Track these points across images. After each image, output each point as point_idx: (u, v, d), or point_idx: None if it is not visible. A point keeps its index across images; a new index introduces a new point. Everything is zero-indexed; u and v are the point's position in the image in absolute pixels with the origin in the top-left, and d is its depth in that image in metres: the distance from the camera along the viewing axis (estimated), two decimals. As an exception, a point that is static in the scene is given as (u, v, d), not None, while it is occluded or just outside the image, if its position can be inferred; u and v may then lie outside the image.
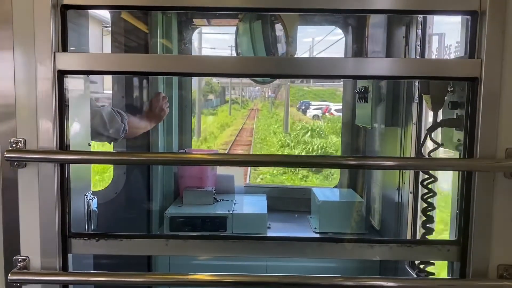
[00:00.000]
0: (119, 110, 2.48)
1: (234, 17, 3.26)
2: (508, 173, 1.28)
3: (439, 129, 1.70)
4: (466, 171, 1.34)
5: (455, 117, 1.50)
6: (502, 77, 1.27)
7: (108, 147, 2.81)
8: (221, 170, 3.50)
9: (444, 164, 1.43)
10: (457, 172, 1.44)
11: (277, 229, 3.09)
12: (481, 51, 1.28)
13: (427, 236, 1.78)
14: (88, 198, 1.72)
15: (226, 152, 12.33)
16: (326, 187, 4.19)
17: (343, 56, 3.61)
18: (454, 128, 1.53)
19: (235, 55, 3.35)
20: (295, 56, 3.16)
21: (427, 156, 1.68)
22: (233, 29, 3.22)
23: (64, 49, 1.32)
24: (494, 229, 1.31)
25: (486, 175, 1.30)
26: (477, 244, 1.32)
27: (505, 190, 1.29)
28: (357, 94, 3.05)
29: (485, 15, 1.26)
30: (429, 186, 1.72)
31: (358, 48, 3.31)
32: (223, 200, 3.29)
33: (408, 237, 2.46)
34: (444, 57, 2.16)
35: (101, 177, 8.22)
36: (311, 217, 3.28)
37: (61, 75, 1.31)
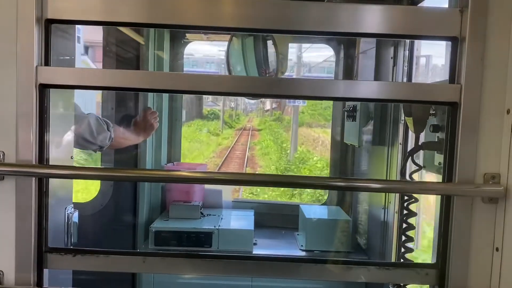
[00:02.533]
0: (104, 118, 2.48)
1: (227, 32, 3.28)
2: (486, 198, 1.29)
3: (423, 150, 1.71)
4: (445, 195, 1.34)
5: (436, 140, 1.51)
6: (481, 102, 1.28)
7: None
8: (209, 185, 3.49)
9: (425, 188, 1.44)
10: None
11: (263, 246, 3.07)
12: (461, 76, 1.30)
13: (406, 255, 1.78)
14: (68, 212, 1.70)
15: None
16: (314, 204, 4.19)
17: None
18: (435, 151, 1.54)
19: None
20: (286, 72, 3.20)
21: (408, 178, 1.69)
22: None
23: (47, 63, 1.32)
24: (472, 253, 1.31)
25: (464, 199, 1.30)
26: (455, 268, 1.32)
27: (483, 215, 1.30)
28: (346, 113, 3.07)
29: (464, 41, 1.28)
30: (410, 207, 1.73)
31: (348, 67, 3.34)
32: (210, 215, 3.27)
33: (393, 257, 2.45)
34: (429, 80, 2.18)
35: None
36: (298, 234, 3.27)
37: (42, 88, 1.30)
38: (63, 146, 1.59)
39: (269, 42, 3.11)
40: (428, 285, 1.51)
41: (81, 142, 2.34)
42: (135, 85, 1.39)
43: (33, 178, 1.32)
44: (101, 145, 2.45)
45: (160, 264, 1.44)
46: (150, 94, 3.26)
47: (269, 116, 24.80)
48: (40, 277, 1.36)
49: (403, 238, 1.89)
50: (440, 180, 1.44)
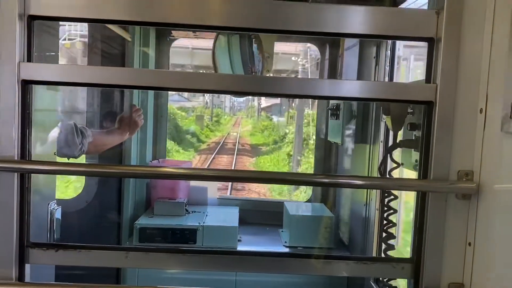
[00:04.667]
0: (82, 129, 2.42)
1: (213, 31, 3.29)
2: (459, 194, 1.33)
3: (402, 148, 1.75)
4: (420, 191, 1.38)
5: (413, 138, 1.56)
6: (456, 102, 1.32)
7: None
8: (194, 182, 3.50)
9: (402, 184, 1.49)
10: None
11: (248, 242, 3.10)
12: (436, 76, 1.34)
13: (388, 252, 1.82)
14: (51, 208, 1.71)
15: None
16: (298, 201, 4.23)
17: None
18: (412, 149, 1.58)
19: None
20: (271, 71, 3.22)
21: (387, 175, 1.73)
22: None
23: (30, 59, 1.32)
24: (446, 248, 1.35)
25: (439, 195, 1.34)
26: (430, 263, 1.36)
27: (457, 211, 1.34)
28: (329, 111, 3.11)
29: (440, 42, 1.32)
30: (390, 204, 1.77)
31: (332, 66, 3.38)
32: (195, 212, 3.29)
33: (374, 253, 2.50)
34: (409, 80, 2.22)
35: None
36: (282, 231, 3.30)
37: (25, 84, 1.31)
38: (45, 142, 1.59)
39: (255, 41, 3.13)
40: (406, 279, 1.56)
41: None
42: (119, 82, 1.40)
43: (15, 174, 1.32)
44: (68, 155, 2.40)
45: (143, 259, 1.45)
46: (135, 91, 3.26)
47: (268, 119, 15.89)
48: (22, 272, 1.36)
49: (384, 235, 1.94)
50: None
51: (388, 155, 1.69)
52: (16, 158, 1.32)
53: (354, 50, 2.90)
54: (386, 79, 2.43)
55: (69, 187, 6.96)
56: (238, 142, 12.40)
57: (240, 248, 2.98)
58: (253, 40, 3.13)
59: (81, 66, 1.39)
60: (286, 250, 3.00)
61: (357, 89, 1.44)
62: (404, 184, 1.43)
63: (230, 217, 3.25)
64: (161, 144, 3.70)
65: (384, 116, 2.37)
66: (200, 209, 3.35)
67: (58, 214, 1.73)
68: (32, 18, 1.30)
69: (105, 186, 3.30)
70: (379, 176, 2.01)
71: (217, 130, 15.02)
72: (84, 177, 3.30)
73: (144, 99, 3.40)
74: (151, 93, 3.45)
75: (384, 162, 1.79)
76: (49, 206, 1.70)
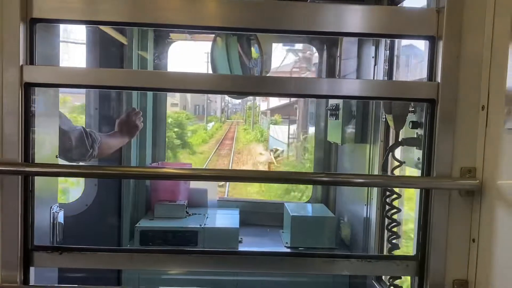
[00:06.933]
0: (92, 134, 2.42)
1: (211, 32, 3.30)
2: (462, 191, 1.34)
3: (404, 146, 1.76)
4: (424, 188, 1.39)
5: (415, 136, 1.56)
6: (457, 99, 1.33)
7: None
8: (194, 184, 3.50)
9: (405, 182, 1.50)
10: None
11: (249, 244, 3.10)
12: (438, 74, 1.35)
13: (393, 251, 1.82)
14: (54, 211, 1.70)
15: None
16: (298, 201, 4.23)
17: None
18: (415, 147, 1.59)
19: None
20: (270, 71, 3.23)
21: (389, 173, 1.74)
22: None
23: (32, 61, 1.32)
24: (450, 245, 1.36)
25: (442, 193, 1.35)
26: (434, 260, 1.37)
27: (460, 208, 1.35)
28: (328, 111, 3.11)
29: (441, 40, 1.33)
30: (394, 202, 1.77)
31: (331, 66, 3.39)
32: (195, 214, 3.28)
33: (376, 252, 2.50)
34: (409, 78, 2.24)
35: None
36: (283, 232, 3.30)
37: (28, 87, 1.31)
38: (48, 145, 1.59)
39: (253, 42, 3.14)
40: (409, 277, 1.56)
41: (59, 152, 2.31)
42: (119, 83, 1.41)
43: (19, 177, 1.32)
44: (79, 159, 2.41)
45: (147, 260, 1.46)
46: (134, 94, 3.26)
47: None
48: (26, 275, 1.37)
49: (388, 233, 1.93)
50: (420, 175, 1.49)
51: (390, 153, 1.70)
52: (19, 161, 1.32)
53: (352, 50, 2.91)
54: (385, 78, 2.43)
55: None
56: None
57: (241, 249, 2.98)
58: (252, 40, 3.14)
59: (83, 68, 1.40)
60: (287, 251, 3.00)
61: (359, 88, 1.44)
62: (407, 182, 1.44)
63: (230, 218, 3.24)
64: (160, 147, 3.69)
65: (384, 115, 2.38)
66: (200, 211, 3.34)
67: (60, 218, 1.73)
68: (34, 21, 1.31)
69: (105, 189, 3.29)
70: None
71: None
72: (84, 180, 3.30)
73: (143, 103, 3.39)
74: (150, 95, 3.45)
75: (386, 161, 1.80)
76: (51, 209, 1.70)
